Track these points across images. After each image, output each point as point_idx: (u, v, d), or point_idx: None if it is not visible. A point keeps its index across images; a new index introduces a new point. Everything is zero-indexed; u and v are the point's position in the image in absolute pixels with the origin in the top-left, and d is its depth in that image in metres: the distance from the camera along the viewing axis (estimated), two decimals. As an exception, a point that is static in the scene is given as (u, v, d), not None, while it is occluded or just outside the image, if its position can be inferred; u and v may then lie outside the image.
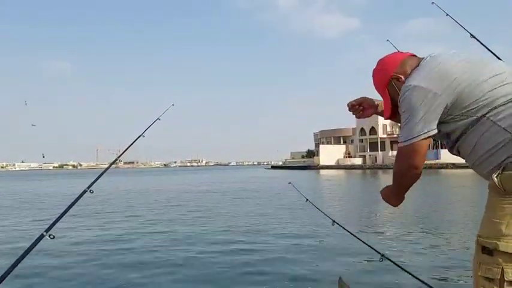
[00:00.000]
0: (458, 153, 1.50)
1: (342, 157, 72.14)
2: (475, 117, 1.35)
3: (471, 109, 1.35)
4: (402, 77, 1.52)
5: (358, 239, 2.96)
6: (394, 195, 1.61)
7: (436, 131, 1.39)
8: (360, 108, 1.85)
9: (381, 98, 1.71)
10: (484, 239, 1.30)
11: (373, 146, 69.27)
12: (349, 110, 1.88)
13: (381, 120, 67.73)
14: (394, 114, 1.63)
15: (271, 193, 17.78)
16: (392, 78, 1.56)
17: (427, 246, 6.29)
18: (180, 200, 15.37)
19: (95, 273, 4.93)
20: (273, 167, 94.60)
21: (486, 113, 1.33)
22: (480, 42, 2.60)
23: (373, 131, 69.10)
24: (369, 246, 2.78)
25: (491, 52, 2.68)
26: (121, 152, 2.80)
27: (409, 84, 1.40)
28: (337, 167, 67.35)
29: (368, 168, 61.12)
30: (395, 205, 1.65)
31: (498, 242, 1.26)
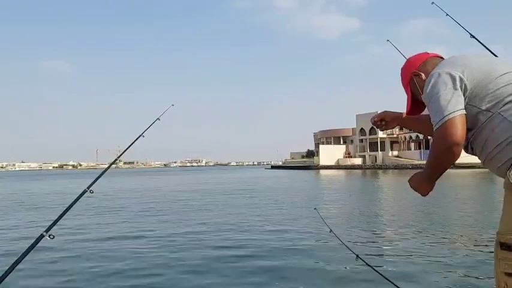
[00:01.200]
0: (472, 151, 1.51)
1: (342, 157, 72.14)
2: (488, 112, 1.39)
3: (486, 101, 1.40)
4: (423, 74, 1.61)
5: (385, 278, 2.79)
6: (427, 181, 1.54)
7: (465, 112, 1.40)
8: (383, 123, 1.92)
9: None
10: (503, 235, 1.32)
11: (373, 146, 69.28)
12: (373, 125, 1.98)
13: (381, 120, 67.75)
14: (413, 110, 1.72)
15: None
16: (413, 74, 1.66)
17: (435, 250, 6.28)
18: (178, 201, 15.38)
19: (95, 273, 4.93)
20: (273, 167, 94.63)
21: (498, 108, 1.38)
22: (480, 42, 2.60)
23: (373, 131, 69.09)
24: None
25: (491, 52, 2.68)
26: (121, 152, 2.79)
27: (435, 72, 1.48)
28: (337, 167, 67.37)
29: (368, 168, 61.13)
30: (425, 193, 1.58)
31: None
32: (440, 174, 1.51)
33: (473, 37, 2.62)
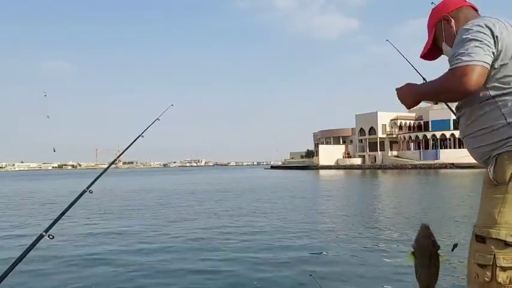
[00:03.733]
0: (457, 123, 1.56)
1: (341, 157, 72.16)
2: (488, 93, 1.39)
3: (493, 80, 1.38)
4: (453, 21, 1.56)
5: None
6: (417, 96, 1.52)
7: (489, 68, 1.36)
8: None
9: None
10: (478, 228, 1.36)
11: (373, 146, 69.27)
12: None
13: (380, 120, 67.81)
14: (429, 54, 1.67)
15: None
16: (443, 18, 1.60)
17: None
18: (176, 200, 15.36)
19: (94, 273, 4.93)
20: (273, 167, 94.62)
21: (498, 95, 1.38)
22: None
23: (373, 131, 69.13)
24: None
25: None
26: (120, 152, 2.79)
27: (477, 22, 1.42)
28: (337, 167, 67.38)
29: (367, 168, 61.13)
30: (409, 106, 1.56)
31: (490, 230, 1.31)
32: (426, 100, 1.54)
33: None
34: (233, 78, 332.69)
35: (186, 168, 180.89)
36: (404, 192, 18.23)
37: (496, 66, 1.37)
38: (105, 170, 2.39)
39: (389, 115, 68.47)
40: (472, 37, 1.38)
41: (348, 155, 73.01)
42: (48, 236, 1.75)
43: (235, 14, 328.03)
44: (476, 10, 1.61)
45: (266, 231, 7.97)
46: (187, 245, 6.65)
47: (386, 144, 67.88)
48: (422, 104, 58.81)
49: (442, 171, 43.84)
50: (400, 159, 62.65)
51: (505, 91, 1.38)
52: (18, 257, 1.64)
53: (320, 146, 75.45)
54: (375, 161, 66.61)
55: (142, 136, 2.83)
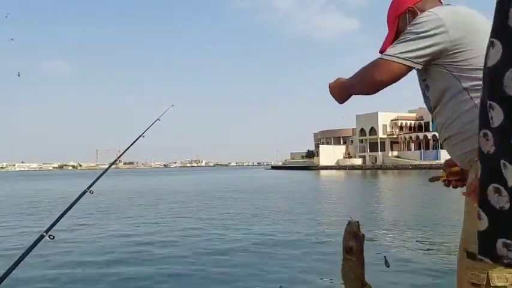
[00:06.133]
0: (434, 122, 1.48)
1: (342, 157, 72.15)
2: (459, 87, 1.30)
3: (464, 76, 1.29)
4: (419, 12, 1.45)
5: None
6: (342, 91, 1.53)
7: (419, 66, 1.32)
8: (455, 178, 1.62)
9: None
10: (469, 244, 1.27)
11: (373, 146, 69.26)
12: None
13: (381, 120, 67.80)
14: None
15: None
16: (408, 9, 1.50)
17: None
18: (187, 200, 15.37)
19: (95, 273, 4.92)
20: (273, 168, 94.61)
21: (473, 91, 1.27)
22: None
23: (373, 131, 69.12)
24: None
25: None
26: (121, 153, 2.80)
27: (433, 12, 1.33)
28: (337, 167, 67.35)
29: (368, 169, 61.09)
30: (339, 101, 1.56)
31: None
32: (353, 93, 1.51)
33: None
34: (233, 78, 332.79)
35: (187, 168, 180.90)
36: (404, 193, 18.22)
37: (457, 57, 1.29)
38: (106, 170, 2.39)
39: (390, 115, 68.47)
40: (412, 30, 1.32)
41: (348, 155, 72.98)
42: (49, 236, 1.75)
43: (235, 14, 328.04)
44: (440, 1, 1.52)
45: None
46: (193, 245, 6.65)
47: (387, 144, 67.85)
48: (423, 104, 58.65)
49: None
50: (401, 159, 62.61)
51: (477, 82, 1.24)
52: (18, 257, 1.64)
53: (320, 146, 75.43)
54: (376, 161, 66.56)
55: (143, 136, 2.84)
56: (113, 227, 8.83)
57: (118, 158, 2.74)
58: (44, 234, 1.75)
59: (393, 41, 1.46)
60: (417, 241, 6.83)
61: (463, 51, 1.29)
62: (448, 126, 1.36)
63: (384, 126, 68.64)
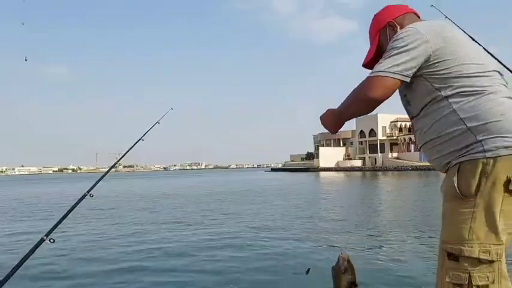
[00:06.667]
0: (413, 128, 1.53)
1: (342, 159, 72.21)
2: (439, 95, 1.34)
3: (443, 83, 1.34)
4: (398, 27, 1.52)
5: None
6: (337, 119, 1.54)
7: (408, 79, 1.36)
8: None
9: None
10: (449, 245, 1.29)
11: (373, 148, 69.33)
12: None
13: (381, 122, 67.90)
14: (373, 62, 1.58)
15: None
16: (388, 24, 1.56)
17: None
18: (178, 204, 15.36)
19: (96, 278, 4.91)
20: (273, 170, 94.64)
21: (452, 97, 1.32)
22: (479, 44, 2.61)
23: (373, 133, 69.20)
24: None
25: (489, 53, 2.69)
26: (120, 156, 2.80)
27: (412, 27, 1.40)
28: (337, 169, 67.39)
29: (368, 170, 61.09)
30: (332, 130, 1.58)
31: (462, 248, 1.25)
32: (348, 119, 1.54)
33: (473, 39, 2.63)
34: (232, 81, 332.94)
35: (187, 171, 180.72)
36: (403, 194, 18.21)
37: (437, 67, 1.34)
38: (105, 174, 2.39)
39: (390, 117, 68.55)
40: (395, 45, 1.37)
41: (348, 157, 73.07)
42: (49, 240, 1.75)
43: (234, 16, 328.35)
44: (418, 17, 1.59)
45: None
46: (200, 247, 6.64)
47: (387, 146, 67.94)
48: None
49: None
50: (401, 160, 62.65)
51: (457, 90, 1.31)
52: (18, 262, 1.64)
53: (320, 148, 75.54)
54: (375, 162, 66.61)
55: (143, 140, 2.84)
56: (114, 231, 8.81)
57: (117, 161, 2.74)
58: (44, 238, 1.75)
59: (375, 55, 1.57)
60: (418, 243, 6.82)
61: (443, 60, 1.33)
62: (427, 131, 1.41)
63: (384, 127, 68.73)
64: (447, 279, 1.27)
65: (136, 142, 2.78)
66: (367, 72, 1.49)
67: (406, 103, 1.51)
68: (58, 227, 1.85)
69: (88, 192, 2.14)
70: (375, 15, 1.64)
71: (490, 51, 2.68)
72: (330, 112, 1.57)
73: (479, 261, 1.23)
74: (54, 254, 6.00)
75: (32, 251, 1.69)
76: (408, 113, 1.53)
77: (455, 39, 1.37)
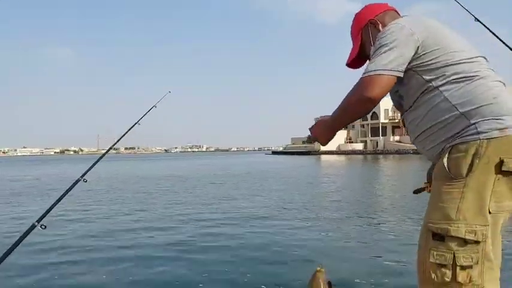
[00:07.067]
0: (403, 122, 1.52)
1: (343, 142, 72.20)
2: (430, 86, 1.36)
3: (432, 73, 1.35)
4: (380, 24, 1.55)
5: None
6: (330, 129, 1.52)
7: (402, 74, 1.37)
8: None
9: None
10: (435, 225, 1.29)
11: (375, 131, 69.22)
12: None
13: (383, 105, 67.56)
14: (356, 62, 1.63)
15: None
16: (370, 22, 1.58)
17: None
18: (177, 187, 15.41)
19: (88, 265, 4.73)
20: (274, 153, 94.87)
21: (442, 85, 1.34)
22: (484, 25, 2.55)
23: (375, 116, 68.95)
24: None
25: (496, 36, 2.62)
26: (116, 140, 2.76)
27: (397, 23, 1.42)
28: (338, 152, 67.46)
29: (369, 154, 61.18)
30: (325, 142, 1.56)
31: (449, 227, 1.25)
32: (343, 126, 1.51)
33: (478, 20, 2.56)
34: (234, 64, 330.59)
35: (188, 153, 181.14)
36: (403, 178, 18.25)
37: (425, 58, 1.36)
38: (100, 158, 2.35)
39: (392, 100, 68.27)
40: (382, 43, 1.38)
41: (349, 140, 73.03)
42: (41, 226, 1.72)
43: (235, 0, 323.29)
44: (399, 14, 1.60)
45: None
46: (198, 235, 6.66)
47: (389, 129, 67.79)
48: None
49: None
50: (402, 144, 62.59)
51: (447, 79, 1.33)
52: (9, 248, 1.62)
53: (321, 131, 75.41)
54: (377, 146, 66.62)
55: (139, 124, 2.80)
56: (108, 216, 8.79)
57: (112, 146, 2.70)
58: (36, 223, 1.72)
59: (358, 54, 1.60)
60: (411, 226, 6.82)
61: (430, 51, 1.36)
62: (419, 122, 1.41)
63: (386, 110, 68.42)
64: (431, 260, 1.27)
65: (132, 126, 2.74)
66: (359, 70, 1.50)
67: (399, 98, 1.51)
68: (50, 213, 1.82)
69: (82, 177, 2.11)
70: (356, 14, 1.65)
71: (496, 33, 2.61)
72: (321, 123, 1.57)
73: (464, 242, 1.24)
74: (45, 240, 5.71)
75: (23, 237, 1.67)
76: (400, 108, 1.54)
77: (437, 29, 1.40)
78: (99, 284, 4.12)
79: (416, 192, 1.61)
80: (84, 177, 2.11)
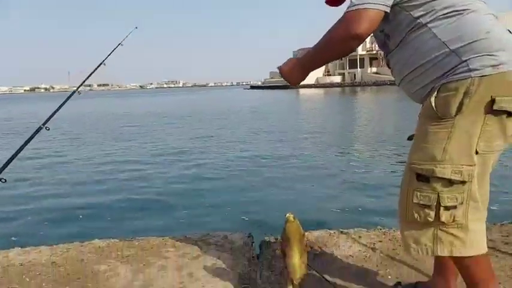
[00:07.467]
0: (388, 63, 1.43)
1: (321, 75, 71.74)
2: (419, 23, 1.26)
3: (420, 9, 1.26)
4: None
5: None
6: (303, 68, 1.43)
7: (389, 9, 1.28)
8: None
9: None
10: (419, 166, 1.26)
11: (352, 63, 68.74)
12: None
13: (361, 36, 66.56)
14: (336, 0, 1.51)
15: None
16: None
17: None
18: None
19: (51, 217, 4.59)
20: (252, 87, 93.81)
21: (431, 22, 1.25)
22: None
23: (353, 47, 67.98)
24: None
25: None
26: (81, 82, 2.56)
27: None
28: (316, 85, 67.24)
29: (347, 86, 61.27)
30: (296, 82, 1.46)
31: (434, 168, 1.22)
32: (319, 66, 1.42)
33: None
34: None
35: (164, 89, 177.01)
36: (379, 109, 18.51)
37: None
38: (63, 103, 2.16)
39: (370, 31, 67.06)
40: None
41: (327, 73, 72.57)
42: (0, 180, 1.61)
43: None
44: None
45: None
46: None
47: (366, 61, 67.39)
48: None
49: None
50: (380, 75, 62.68)
51: (436, 15, 1.24)
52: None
53: (300, 64, 74.37)
54: (355, 78, 66.58)
55: (104, 64, 2.60)
56: (73, 163, 8.43)
57: (77, 88, 2.48)
58: (-5, 178, 1.61)
59: None
60: (393, 157, 7.00)
61: None
62: (406, 62, 1.33)
63: (364, 42, 67.55)
64: (415, 200, 1.25)
65: (97, 67, 2.53)
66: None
67: (385, 37, 1.39)
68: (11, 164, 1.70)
69: (44, 124, 1.95)
70: None
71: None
72: (294, 61, 1.45)
73: (449, 182, 1.21)
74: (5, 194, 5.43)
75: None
76: (384, 48, 1.43)
77: None
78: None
79: (410, 138, 1.56)
80: (46, 125, 1.95)
